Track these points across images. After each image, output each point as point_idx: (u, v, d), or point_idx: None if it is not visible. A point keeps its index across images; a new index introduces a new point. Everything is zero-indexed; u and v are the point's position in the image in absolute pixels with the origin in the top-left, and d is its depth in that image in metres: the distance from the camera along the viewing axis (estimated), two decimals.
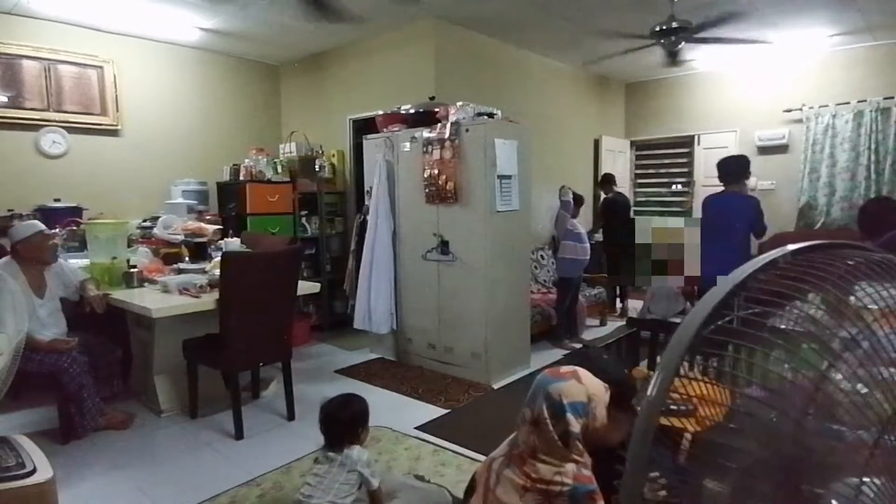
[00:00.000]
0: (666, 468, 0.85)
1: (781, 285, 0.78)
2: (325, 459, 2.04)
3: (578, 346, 4.74)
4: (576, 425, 1.41)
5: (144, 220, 4.51)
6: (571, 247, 4.88)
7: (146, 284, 3.54)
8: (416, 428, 3.23)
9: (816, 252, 0.82)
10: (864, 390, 0.76)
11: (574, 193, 5.00)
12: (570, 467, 1.40)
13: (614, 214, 5.99)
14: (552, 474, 1.40)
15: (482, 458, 2.02)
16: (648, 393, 0.78)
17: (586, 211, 6.21)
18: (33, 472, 2.01)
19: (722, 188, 4.02)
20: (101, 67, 4.96)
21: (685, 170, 7.32)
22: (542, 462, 1.42)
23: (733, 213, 3.83)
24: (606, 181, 6.30)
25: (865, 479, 0.74)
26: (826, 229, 6.01)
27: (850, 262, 0.79)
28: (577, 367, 1.53)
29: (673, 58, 5.40)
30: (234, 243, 4.10)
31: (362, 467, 2.02)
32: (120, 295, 3.28)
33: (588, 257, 4.96)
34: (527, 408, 1.48)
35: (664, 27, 4.37)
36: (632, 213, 6.86)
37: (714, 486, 0.77)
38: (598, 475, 1.41)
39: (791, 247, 0.81)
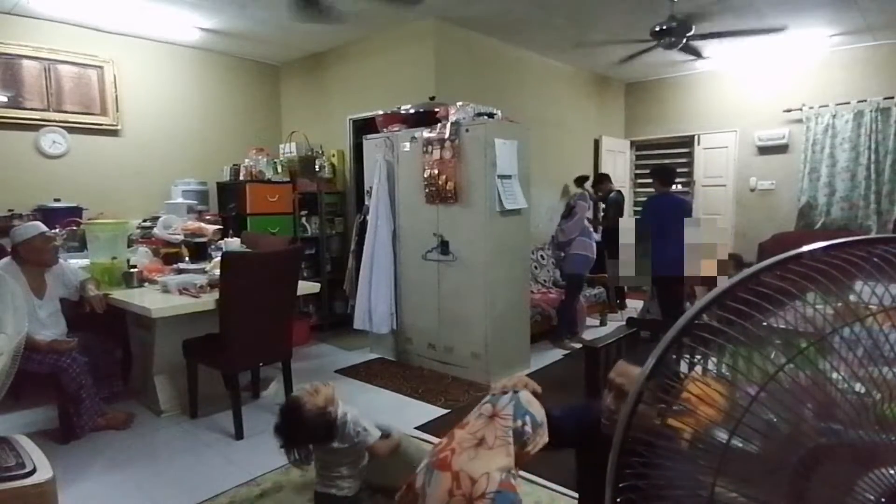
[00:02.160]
0: (678, 473, 0.84)
1: (795, 284, 0.76)
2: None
3: (578, 346, 4.73)
4: (530, 428, 1.55)
5: (144, 220, 4.51)
6: (587, 244, 4.91)
7: (146, 284, 3.54)
8: (416, 428, 3.23)
9: (850, 248, 0.78)
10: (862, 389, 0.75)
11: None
12: (497, 474, 1.47)
13: (617, 214, 6.00)
14: (480, 473, 1.47)
15: None
16: (641, 372, 0.83)
17: None
18: (33, 472, 2.00)
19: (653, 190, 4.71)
20: (101, 67, 4.96)
21: (685, 170, 7.30)
22: (478, 459, 1.50)
23: (679, 211, 4.32)
24: (602, 180, 6.31)
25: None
26: (826, 229, 6.00)
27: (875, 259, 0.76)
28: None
29: (631, 57, 5.47)
30: (234, 243, 4.10)
31: (350, 441, 2.04)
32: (120, 295, 3.28)
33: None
34: (488, 404, 1.65)
35: (664, 27, 4.37)
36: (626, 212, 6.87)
37: (706, 479, 0.77)
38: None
39: (821, 244, 0.78)
